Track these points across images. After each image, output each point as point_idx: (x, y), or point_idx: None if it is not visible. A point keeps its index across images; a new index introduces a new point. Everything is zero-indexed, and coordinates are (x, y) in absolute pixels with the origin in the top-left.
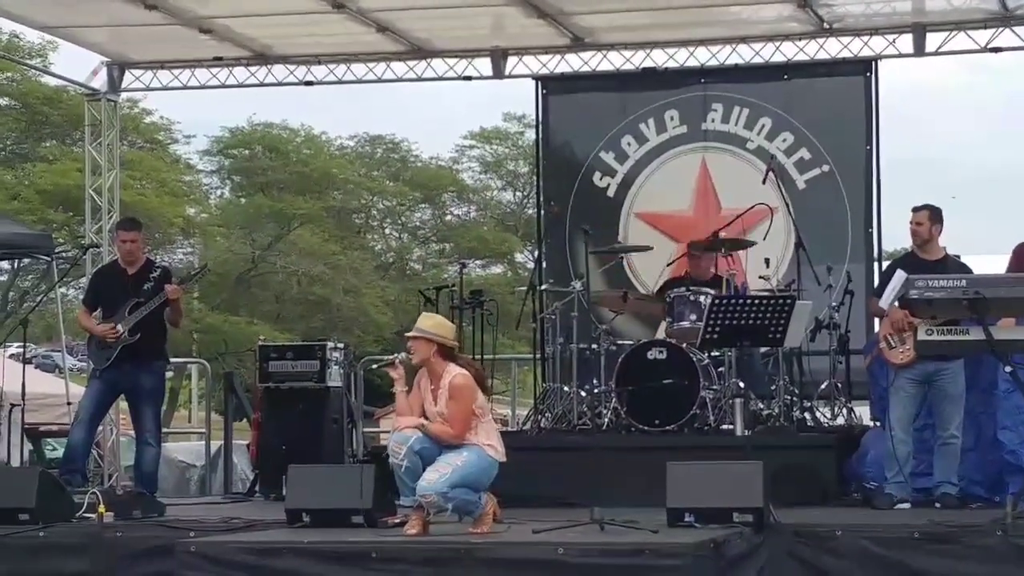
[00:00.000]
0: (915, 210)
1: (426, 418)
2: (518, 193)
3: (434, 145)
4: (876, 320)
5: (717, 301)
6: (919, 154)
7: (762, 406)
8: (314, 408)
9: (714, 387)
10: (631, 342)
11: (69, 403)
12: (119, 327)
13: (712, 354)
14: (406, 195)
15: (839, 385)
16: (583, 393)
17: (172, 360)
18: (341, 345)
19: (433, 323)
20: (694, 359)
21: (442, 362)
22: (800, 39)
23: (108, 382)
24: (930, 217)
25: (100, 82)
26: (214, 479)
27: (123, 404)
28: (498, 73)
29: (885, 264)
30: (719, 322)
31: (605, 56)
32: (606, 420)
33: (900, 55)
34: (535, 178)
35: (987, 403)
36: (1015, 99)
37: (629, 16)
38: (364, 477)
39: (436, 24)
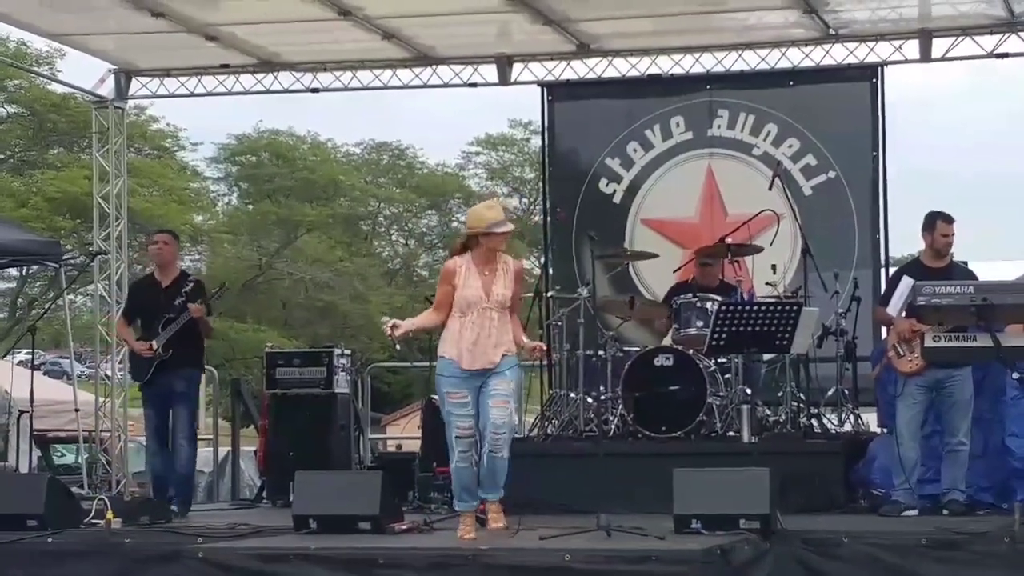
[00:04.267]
0: (948, 221)
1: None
2: (524, 199)
3: (440, 152)
4: (883, 327)
5: (724, 308)
6: (925, 160)
7: (769, 413)
8: (321, 414)
9: (721, 394)
10: (638, 348)
11: (77, 409)
12: (153, 343)
13: (719, 361)
14: (412, 202)
15: (846, 392)
16: (590, 400)
17: None
18: (348, 352)
19: (495, 213)
20: (701, 366)
21: (497, 252)
22: (806, 45)
23: (154, 404)
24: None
25: (107, 89)
26: (221, 485)
27: (132, 410)
28: (504, 80)
29: (892, 270)
30: (726, 328)
31: (611, 63)
32: (613, 427)
33: (906, 61)
34: (541, 184)
35: (995, 409)
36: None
37: (635, 23)
38: (371, 483)
39: (442, 31)
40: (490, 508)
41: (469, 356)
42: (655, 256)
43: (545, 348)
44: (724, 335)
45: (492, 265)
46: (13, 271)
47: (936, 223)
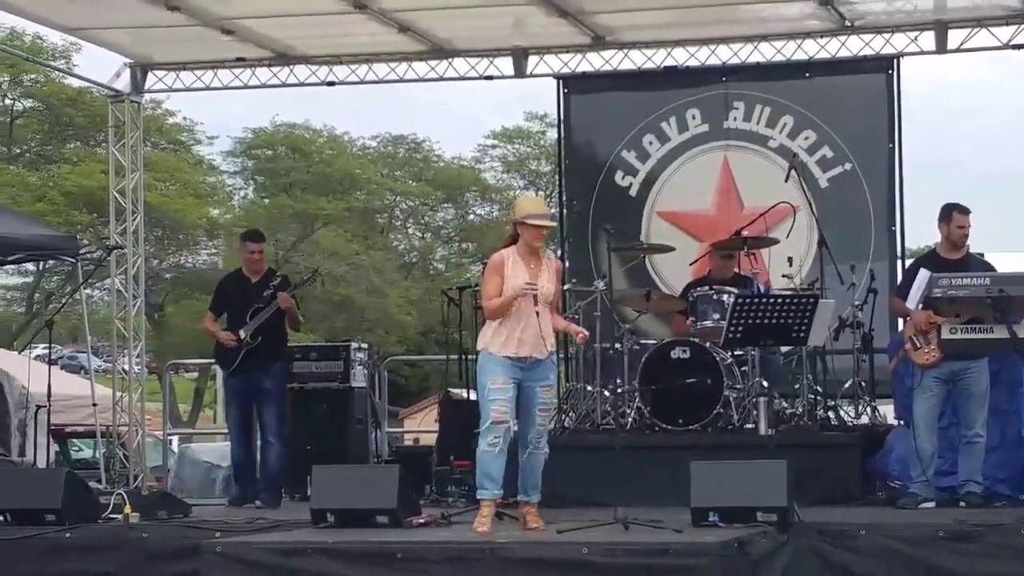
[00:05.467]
0: (964, 213)
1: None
2: (540, 192)
3: (456, 145)
4: (899, 319)
5: (740, 300)
6: (940, 152)
7: (786, 405)
8: (338, 408)
9: (737, 386)
10: (654, 341)
11: (95, 404)
12: (241, 332)
13: (735, 353)
14: (429, 195)
15: (863, 384)
16: (607, 392)
17: (198, 362)
18: (365, 345)
19: (534, 206)
20: (717, 358)
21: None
22: (821, 37)
23: (237, 394)
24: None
25: (123, 83)
26: None
27: (149, 405)
28: (520, 72)
29: (908, 262)
30: (742, 321)
31: (626, 55)
32: (630, 419)
33: (922, 52)
34: (557, 177)
35: (1011, 401)
36: None
37: (650, 15)
38: (388, 477)
39: (457, 24)
40: (531, 511)
41: (517, 344)
42: (671, 249)
43: (587, 335)
44: (741, 328)
45: (536, 259)
46: (30, 266)
47: (952, 215)
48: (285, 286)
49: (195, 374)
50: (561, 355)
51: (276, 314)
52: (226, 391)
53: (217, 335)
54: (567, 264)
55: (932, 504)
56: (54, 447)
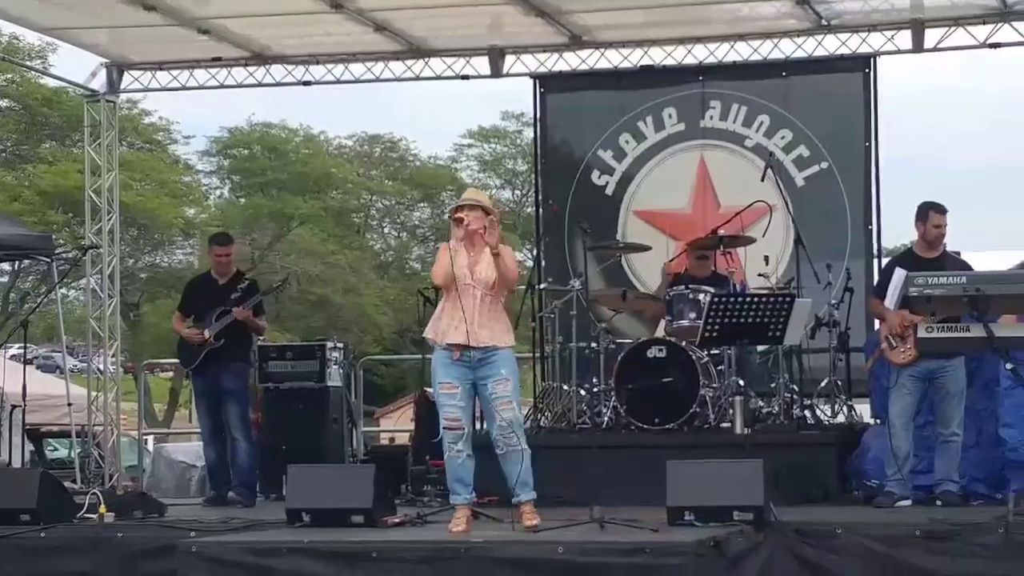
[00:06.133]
0: (938, 212)
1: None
2: (517, 191)
3: (433, 144)
4: (876, 319)
5: (716, 299)
6: (916, 150)
7: (762, 404)
8: (314, 408)
9: (714, 385)
10: (630, 340)
11: (70, 404)
12: (206, 332)
13: (712, 352)
14: (405, 194)
15: (839, 383)
16: (582, 392)
17: (173, 361)
18: (341, 345)
19: (485, 196)
20: (694, 357)
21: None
22: (798, 36)
23: (203, 395)
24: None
25: (99, 83)
26: None
27: (124, 405)
28: (496, 72)
29: (885, 261)
30: (718, 320)
31: (603, 54)
32: (606, 419)
33: (899, 51)
34: (533, 176)
35: (988, 400)
36: (1013, 94)
37: (627, 14)
38: (364, 477)
39: (434, 23)
40: (523, 510)
41: (454, 331)
42: (647, 248)
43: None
44: (717, 327)
45: (475, 248)
46: (5, 265)
47: (929, 214)
48: (253, 290)
49: (170, 374)
50: (537, 354)
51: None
52: (194, 392)
53: (183, 333)
54: (543, 263)
55: (908, 502)
56: (29, 447)
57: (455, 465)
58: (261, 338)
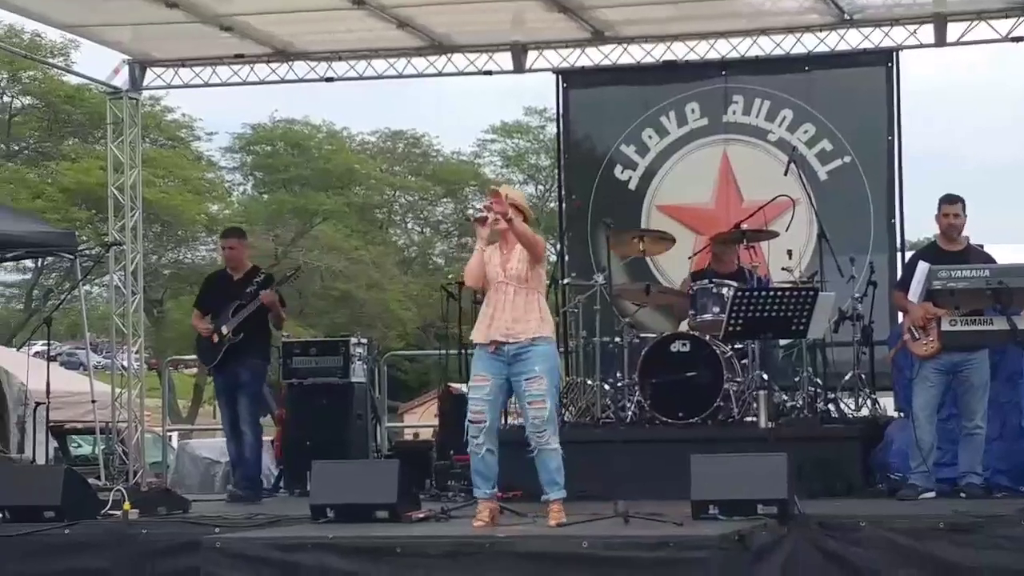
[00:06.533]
0: (950, 202)
1: (484, 285)
2: (540, 187)
3: (455, 139)
4: (900, 312)
5: (740, 293)
6: (936, 145)
7: (786, 398)
8: (338, 404)
9: (737, 379)
10: (654, 335)
11: (94, 400)
12: (223, 328)
13: (735, 346)
14: (428, 190)
15: (863, 376)
16: (606, 386)
17: (196, 357)
18: (364, 340)
19: (520, 194)
20: (717, 351)
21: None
22: (821, 30)
23: (222, 393)
24: (963, 208)
25: (122, 80)
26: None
27: (148, 401)
28: (519, 68)
29: (908, 254)
30: (742, 314)
31: (625, 49)
32: (630, 413)
33: (921, 45)
34: (556, 172)
35: (1011, 392)
36: None
37: (649, 9)
38: (388, 472)
39: (456, 19)
40: (550, 509)
41: (487, 328)
42: (671, 238)
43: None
44: (740, 321)
45: (508, 244)
46: (29, 262)
47: (940, 205)
48: (268, 284)
49: (194, 370)
50: (561, 349)
51: (259, 311)
52: (216, 390)
53: (199, 328)
54: (566, 258)
55: (932, 495)
56: (53, 443)
57: (475, 459)
58: (284, 335)
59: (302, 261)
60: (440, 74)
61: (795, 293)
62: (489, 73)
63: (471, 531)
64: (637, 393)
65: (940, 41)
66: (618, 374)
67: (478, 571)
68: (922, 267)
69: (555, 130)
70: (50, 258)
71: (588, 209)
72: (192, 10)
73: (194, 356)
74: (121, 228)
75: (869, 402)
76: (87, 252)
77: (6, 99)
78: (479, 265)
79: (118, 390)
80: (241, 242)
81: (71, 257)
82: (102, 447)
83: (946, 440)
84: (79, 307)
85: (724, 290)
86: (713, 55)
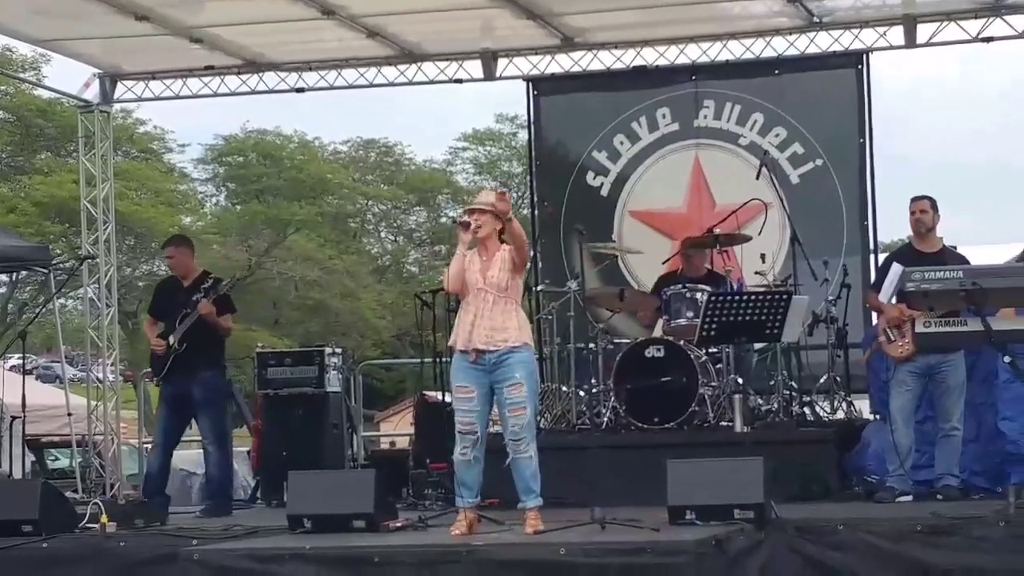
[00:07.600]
0: (915, 200)
1: (463, 291)
2: (512, 194)
3: (427, 148)
4: (874, 313)
5: (713, 298)
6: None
7: (761, 402)
8: (313, 414)
9: (713, 384)
10: (628, 340)
11: (70, 413)
12: (170, 338)
13: (710, 351)
14: (400, 198)
15: (838, 379)
16: (581, 393)
17: None
18: (339, 350)
19: (493, 195)
20: (692, 356)
21: (497, 240)
22: (790, 34)
23: (169, 402)
24: (932, 205)
25: (93, 94)
26: None
27: (124, 413)
28: (489, 75)
29: (882, 257)
30: (716, 319)
31: (595, 56)
32: (605, 419)
33: (891, 47)
34: (528, 178)
35: (988, 393)
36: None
37: (619, 15)
38: (365, 481)
39: (426, 28)
40: (527, 517)
41: (468, 335)
42: (640, 253)
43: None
44: (715, 325)
45: (488, 251)
46: (2, 276)
47: (909, 204)
48: (217, 288)
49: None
50: (536, 356)
51: (202, 321)
52: (160, 397)
53: (149, 337)
54: (540, 265)
55: (909, 497)
56: (30, 457)
57: (463, 468)
58: (259, 345)
59: (276, 272)
60: (411, 83)
61: (769, 297)
62: (460, 81)
63: (449, 540)
64: (612, 399)
65: (910, 43)
66: (593, 380)
67: None
68: (895, 268)
69: (527, 137)
70: (24, 272)
71: (561, 216)
72: (162, 23)
73: None
74: (94, 241)
75: (844, 405)
76: (61, 266)
77: None
78: (460, 270)
79: (94, 403)
80: (180, 249)
81: (45, 271)
82: (79, 460)
83: (923, 442)
84: (54, 320)
85: (698, 295)
86: (683, 60)
